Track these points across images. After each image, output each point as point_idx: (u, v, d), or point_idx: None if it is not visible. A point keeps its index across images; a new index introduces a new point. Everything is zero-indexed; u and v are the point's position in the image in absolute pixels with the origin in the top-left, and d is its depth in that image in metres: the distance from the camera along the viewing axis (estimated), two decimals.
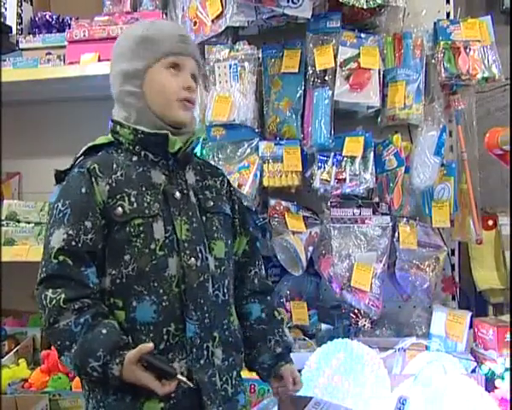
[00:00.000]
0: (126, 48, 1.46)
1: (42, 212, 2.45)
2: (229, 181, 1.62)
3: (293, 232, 2.17)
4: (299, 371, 1.90)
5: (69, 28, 2.51)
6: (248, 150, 2.24)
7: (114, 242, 1.38)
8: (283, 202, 2.21)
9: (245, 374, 2.07)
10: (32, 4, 2.75)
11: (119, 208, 1.38)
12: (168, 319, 1.37)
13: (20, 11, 2.65)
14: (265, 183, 2.20)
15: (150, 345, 1.31)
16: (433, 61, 2.22)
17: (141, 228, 1.37)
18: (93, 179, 1.39)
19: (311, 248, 2.20)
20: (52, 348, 2.17)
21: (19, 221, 2.45)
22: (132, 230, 1.37)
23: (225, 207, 1.54)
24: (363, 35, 2.20)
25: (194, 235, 1.41)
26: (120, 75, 1.46)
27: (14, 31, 2.62)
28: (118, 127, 1.46)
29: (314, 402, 1.54)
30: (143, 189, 1.40)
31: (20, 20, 2.65)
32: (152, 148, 1.43)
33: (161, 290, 1.37)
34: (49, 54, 2.47)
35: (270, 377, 1.56)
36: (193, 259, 1.39)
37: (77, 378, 2.06)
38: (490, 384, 1.88)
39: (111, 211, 1.38)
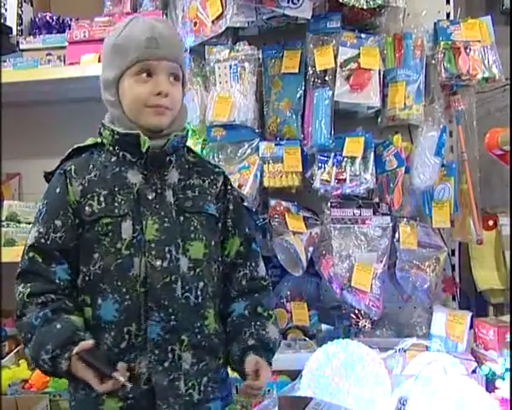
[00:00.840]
0: (103, 56, 1.51)
1: None
2: (226, 180, 1.59)
3: (294, 233, 2.17)
4: (300, 371, 1.91)
5: (69, 29, 2.51)
6: (249, 151, 2.24)
7: (85, 240, 1.42)
8: (283, 203, 2.21)
9: None
10: (32, 5, 2.75)
11: (88, 208, 1.42)
12: (129, 318, 1.38)
13: (20, 12, 2.65)
14: (266, 183, 2.20)
15: (90, 342, 1.34)
16: (433, 61, 2.21)
17: (109, 227, 1.40)
18: (67, 180, 1.45)
19: (311, 249, 2.19)
20: None
21: (19, 222, 2.45)
22: (100, 229, 1.41)
23: (209, 206, 1.50)
24: (363, 35, 2.19)
25: (163, 235, 1.41)
26: (101, 84, 1.51)
27: (15, 32, 2.61)
28: (101, 129, 1.50)
29: (314, 403, 1.55)
30: (116, 189, 1.42)
31: (20, 20, 2.65)
32: (129, 148, 1.44)
33: (124, 290, 1.38)
34: (50, 55, 2.47)
35: (240, 372, 1.46)
36: (158, 259, 1.39)
37: None
38: (490, 385, 1.88)
39: (82, 210, 1.42)
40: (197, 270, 1.44)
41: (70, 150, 1.51)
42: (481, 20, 2.21)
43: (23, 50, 2.54)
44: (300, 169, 2.19)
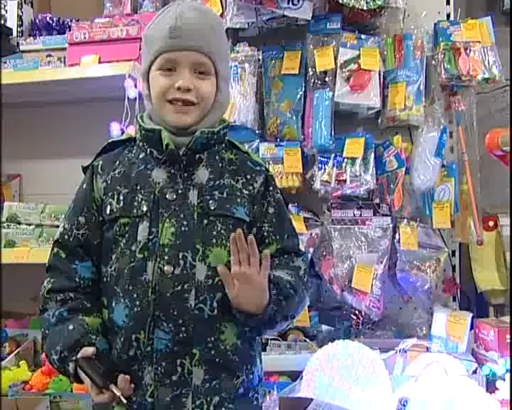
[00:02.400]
0: (142, 48, 1.44)
1: (43, 213, 2.45)
2: (268, 181, 1.43)
3: None
4: (301, 372, 1.91)
5: (69, 30, 2.51)
6: None
7: (105, 240, 1.38)
8: None
9: None
10: (32, 6, 2.75)
11: (109, 206, 1.37)
12: (138, 325, 1.31)
13: (20, 13, 2.65)
14: None
15: (90, 350, 1.28)
16: (433, 62, 2.22)
17: (126, 228, 1.34)
18: (94, 176, 1.41)
19: (311, 250, 2.19)
20: None
21: (19, 223, 2.45)
22: (118, 229, 1.35)
23: (237, 209, 1.36)
24: (363, 36, 2.20)
25: (179, 239, 1.31)
26: (139, 76, 1.46)
27: (15, 33, 2.62)
28: (136, 123, 1.45)
29: (315, 404, 1.54)
30: (138, 187, 1.36)
31: (20, 22, 2.65)
32: (155, 145, 1.37)
33: (135, 295, 1.31)
34: (50, 56, 2.48)
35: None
36: (170, 266, 1.30)
37: None
38: (491, 386, 1.88)
39: (104, 208, 1.38)
40: (216, 279, 1.31)
41: (105, 144, 1.47)
42: (481, 20, 2.21)
43: (23, 51, 2.55)
44: (301, 170, 2.20)
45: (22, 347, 2.43)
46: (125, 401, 1.26)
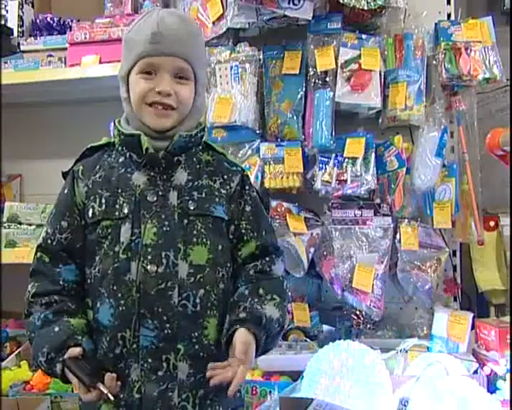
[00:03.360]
0: (122, 51, 1.46)
1: (43, 214, 2.46)
2: (244, 180, 1.49)
3: (295, 234, 2.17)
4: (301, 372, 1.90)
5: (70, 30, 2.51)
6: (249, 152, 2.24)
7: (89, 242, 1.41)
8: (285, 204, 2.21)
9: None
10: (33, 6, 2.76)
11: (91, 210, 1.40)
12: (124, 324, 1.35)
13: (21, 13, 2.66)
14: (267, 184, 2.20)
15: (77, 350, 1.31)
16: (434, 61, 2.21)
17: (109, 230, 1.38)
18: (75, 181, 1.44)
19: (312, 250, 2.20)
20: None
21: (20, 223, 2.46)
22: (101, 231, 1.39)
23: (215, 209, 1.41)
24: (363, 36, 2.20)
25: (161, 239, 1.36)
26: (118, 80, 1.47)
27: (16, 33, 2.62)
28: (114, 128, 1.47)
29: (315, 404, 1.54)
30: (119, 190, 1.39)
31: (21, 22, 2.65)
32: (134, 149, 1.40)
33: (120, 294, 1.35)
34: (50, 56, 2.48)
35: (226, 343, 1.36)
36: (153, 265, 1.34)
37: None
38: (492, 386, 1.88)
39: (86, 212, 1.41)
40: (198, 276, 1.37)
41: (84, 150, 1.49)
42: (482, 20, 2.20)
43: (24, 52, 2.55)
44: (301, 170, 2.19)
45: (23, 347, 2.43)
46: (112, 399, 1.29)
